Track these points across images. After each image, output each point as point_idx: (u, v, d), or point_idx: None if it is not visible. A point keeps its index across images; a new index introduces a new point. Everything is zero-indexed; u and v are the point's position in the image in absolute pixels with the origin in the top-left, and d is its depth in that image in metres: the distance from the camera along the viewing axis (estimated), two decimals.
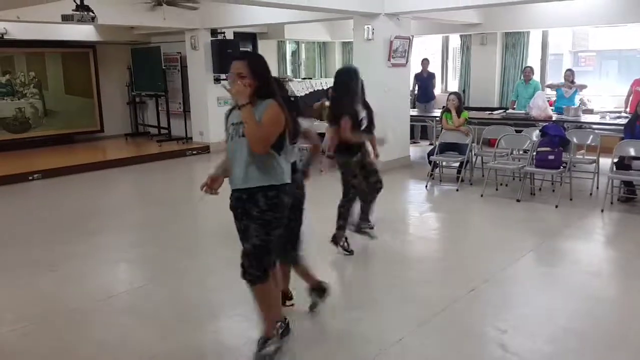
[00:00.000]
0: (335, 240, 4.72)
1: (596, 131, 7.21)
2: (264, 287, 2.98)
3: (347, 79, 4.67)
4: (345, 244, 4.79)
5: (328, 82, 12.69)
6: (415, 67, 10.56)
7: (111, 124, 11.98)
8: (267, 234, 2.89)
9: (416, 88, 10.82)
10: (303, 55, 13.55)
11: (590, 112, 8.88)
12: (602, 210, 6.04)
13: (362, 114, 4.64)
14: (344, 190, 4.77)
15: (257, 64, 2.91)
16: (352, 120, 4.53)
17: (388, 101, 8.31)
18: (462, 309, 3.78)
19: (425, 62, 10.94)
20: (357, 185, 4.74)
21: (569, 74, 9.04)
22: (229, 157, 2.99)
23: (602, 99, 9.99)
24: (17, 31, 9.71)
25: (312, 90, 12.33)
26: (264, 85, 2.87)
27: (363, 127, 4.63)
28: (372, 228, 4.98)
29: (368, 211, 4.96)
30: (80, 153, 10.39)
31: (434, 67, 11.31)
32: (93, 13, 6.92)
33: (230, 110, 3.02)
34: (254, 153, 2.81)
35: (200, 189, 3.08)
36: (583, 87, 9.18)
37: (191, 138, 11.07)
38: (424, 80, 10.86)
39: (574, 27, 10.48)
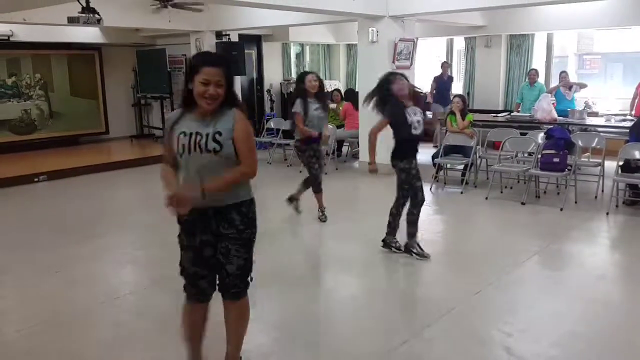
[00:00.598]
0: (407, 249, 4.72)
1: (601, 134, 7.19)
2: (246, 299, 2.81)
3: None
4: (420, 249, 4.75)
5: (332, 84, 12.74)
6: (420, 70, 10.54)
7: (116, 126, 12.02)
8: (248, 251, 2.71)
9: (434, 91, 10.67)
10: (307, 58, 13.56)
11: (596, 114, 8.88)
12: (607, 214, 6.02)
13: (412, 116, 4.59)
14: (412, 193, 4.72)
15: (231, 69, 2.61)
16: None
17: None
18: (467, 312, 3.78)
19: (445, 65, 10.79)
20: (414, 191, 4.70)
21: (564, 75, 9.06)
22: (183, 170, 2.63)
23: (608, 102, 9.98)
24: (23, 33, 9.78)
25: None
26: (231, 92, 2.59)
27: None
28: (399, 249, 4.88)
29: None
30: (85, 155, 10.43)
31: (438, 70, 11.30)
32: (99, 15, 6.96)
33: (179, 117, 2.63)
34: (231, 170, 2.58)
35: (167, 206, 2.54)
36: (582, 85, 9.19)
37: None
38: (444, 83, 10.67)
39: (579, 29, 10.47)
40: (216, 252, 2.69)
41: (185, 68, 2.69)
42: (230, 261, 2.68)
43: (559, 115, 8.21)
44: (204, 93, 2.50)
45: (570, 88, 8.93)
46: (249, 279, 2.76)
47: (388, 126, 4.65)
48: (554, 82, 10.60)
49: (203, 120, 2.58)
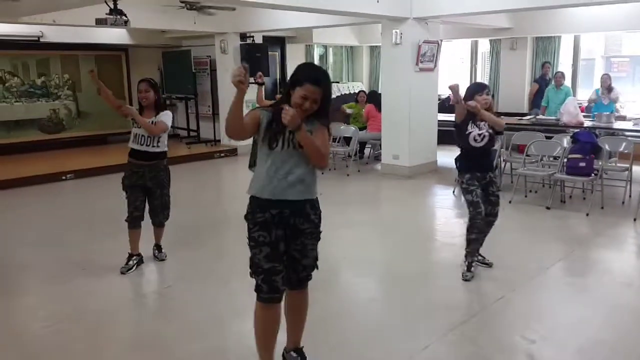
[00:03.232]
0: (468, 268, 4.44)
1: (629, 138, 7.06)
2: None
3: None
4: (480, 256, 4.58)
5: (355, 86, 12.74)
6: (443, 72, 10.47)
7: None
8: (318, 243, 2.89)
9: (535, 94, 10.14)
10: (331, 59, 13.59)
11: (623, 118, 8.69)
12: (634, 220, 5.91)
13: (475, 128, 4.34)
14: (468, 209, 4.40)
15: (330, 87, 2.78)
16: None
17: (415, 106, 8.29)
18: (490, 317, 3.75)
19: (547, 66, 10.24)
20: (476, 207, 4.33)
21: (606, 78, 8.74)
22: (269, 161, 2.73)
23: (636, 105, 9.78)
24: (52, 34, 9.99)
25: (339, 94, 12.38)
26: (325, 107, 2.77)
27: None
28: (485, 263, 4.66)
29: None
30: (112, 154, 10.56)
31: (463, 72, 11.22)
32: (126, 17, 7.07)
33: (274, 114, 2.71)
34: (309, 166, 2.75)
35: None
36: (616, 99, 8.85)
37: (219, 141, 11.20)
38: (547, 85, 9.88)
39: (607, 31, 10.29)
40: (287, 247, 2.78)
41: (291, 75, 2.78)
42: (307, 255, 2.84)
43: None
44: (300, 105, 2.66)
45: (610, 91, 8.64)
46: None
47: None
48: (581, 85, 10.44)
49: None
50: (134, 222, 4.60)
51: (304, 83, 2.65)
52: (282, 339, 3.00)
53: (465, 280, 4.33)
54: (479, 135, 4.31)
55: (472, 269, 4.43)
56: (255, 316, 2.83)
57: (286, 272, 2.81)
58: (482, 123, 4.31)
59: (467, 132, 4.32)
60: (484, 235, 4.47)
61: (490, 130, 4.30)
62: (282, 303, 2.86)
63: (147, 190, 4.64)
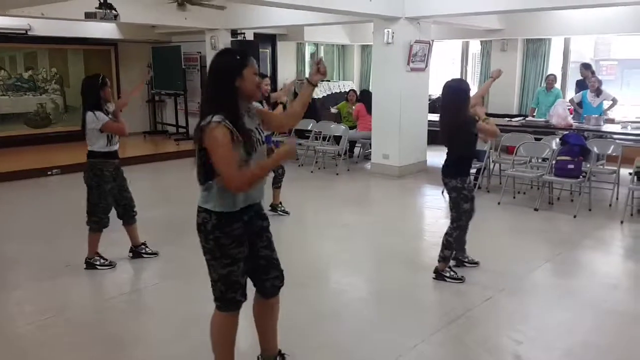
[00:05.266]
0: (439, 273, 4.33)
1: (617, 141, 7.11)
2: None
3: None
4: (452, 272, 4.35)
5: (346, 85, 12.73)
6: (434, 72, 10.49)
7: (130, 122, 11.74)
8: None
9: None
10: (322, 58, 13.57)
11: (612, 121, 8.74)
12: (621, 222, 5.95)
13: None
14: (455, 215, 4.30)
15: None
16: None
17: (406, 105, 8.29)
18: (478, 318, 3.75)
19: (583, 66, 9.49)
20: (470, 210, 4.33)
21: (594, 81, 8.65)
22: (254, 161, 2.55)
23: (624, 109, 9.85)
24: (41, 28, 9.87)
25: (330, 92, 12.37)
26: None
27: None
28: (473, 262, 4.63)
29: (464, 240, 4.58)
30: None
31: (455, 73, 11.24)
32: (115, 11, 6.99)
33: (241, 115, 2.51)
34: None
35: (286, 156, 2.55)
36: (614, 101, 8.76)
37: None
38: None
39: (596, 35, 10.35)
40: (254, 252, 2.66)
41: (223, 67, 2.49)
42: (274, 248, 2.74)
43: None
44: (259, 84, 2.54)
45: (598, 95, 8.62)
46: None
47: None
48: (570, 88, 10.47)
49: (247, 115, 2.55)
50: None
51: (249, 61, 2.47)
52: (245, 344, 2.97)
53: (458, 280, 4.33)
54: (475, 136, 4.33)
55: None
56: (221, 328, 2.70)
57: (259, 282, 2.74)
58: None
59: (477, 136, 4.29)
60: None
61: None
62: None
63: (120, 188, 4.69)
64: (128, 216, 4.78)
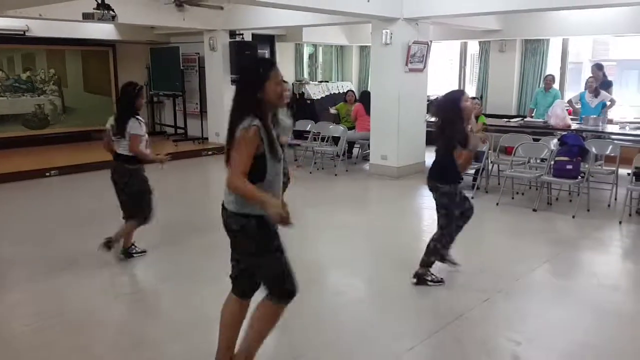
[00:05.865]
0: (420, 278, 4.27)
1: (616, 141, 7.11)
2: None
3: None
4: (433, 275, 4.29)
5: (344, 86, 12.73)
6: (432, 73, 10.48)
7: None
8: None
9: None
10: (320, 59, 13.57)
11: (610, 122, 8.74)
12: (620, 222, 5.95)
13: None
14: (444, 221, 4.23)
15: None
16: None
17: (404, 106, 8.29)
18: (476, 319, 3.74)
19: (596, 67, 9.35)
20: (469, 208, 4.33)
21: (591, 81, 8.69)
22: (273, 178, 2.68)
23: (623, 109, 9.85)
24: (38, 29, 9.84)
25: (328, 93, 12.37)
26: None
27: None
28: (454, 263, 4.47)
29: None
30: (97, 151, 10.40)
31: (452, 73, 11.24)
32: (113, 12, 6.99)
33: (269, 124, 2.64)
34: None
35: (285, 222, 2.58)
36: (612, 101, 8.77)
37: (207, 138, 11.13)
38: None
39: (595, 35, 10.35)
40: None
41: (247, 77, 2.68)
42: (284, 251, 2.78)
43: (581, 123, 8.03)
44: (282, 92, 2.66)
45: (596, 95, 8.63)
46: None
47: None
48: (568, 89, 10.48)
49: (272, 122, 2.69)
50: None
51: (271, 72, 2.59)
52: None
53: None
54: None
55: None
56: (274, 319, 2.75)
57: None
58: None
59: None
60: None
61: None
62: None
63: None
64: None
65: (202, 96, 11.22)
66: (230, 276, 2.87)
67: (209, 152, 10.47)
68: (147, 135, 4.68)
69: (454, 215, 4.21)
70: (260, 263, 2.70)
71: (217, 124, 10.79)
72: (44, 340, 3.46)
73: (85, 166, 8.73)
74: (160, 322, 3.74)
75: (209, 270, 4.65)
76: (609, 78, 9.39)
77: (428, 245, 4.27)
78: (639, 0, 6.56)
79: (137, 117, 4.57)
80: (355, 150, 9.94)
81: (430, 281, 4.27)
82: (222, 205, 2.72)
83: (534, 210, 6.41)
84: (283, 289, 2.70)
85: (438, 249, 4.23)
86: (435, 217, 4.31)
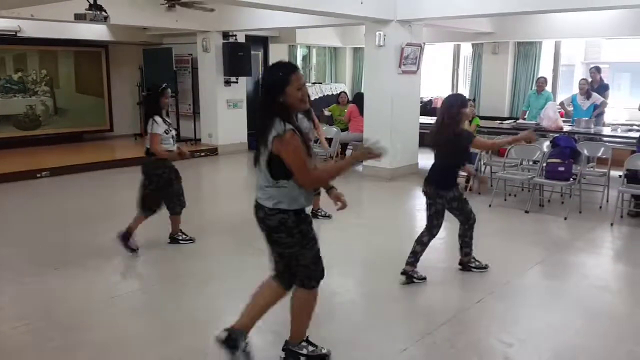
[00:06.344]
0: (465, 265, 4.60)
1: (607, 144, 7.14)
2: None
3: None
4: (477, 262, 4.61)
5: (338, 87, 12.74)
6: (425, 75, 10.50)
7: (121, 124, 12.03)
8: None
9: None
10: (314, 60, 13.58)
11: (602, 124, 8.79)
12: (611, 224, 5.97)
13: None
14: (463, 218, 4.45)
15: None
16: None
17: (397, 108, 8.29)
18: (468, 321, 3.74)
19: (594, 70, 9.30)
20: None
21: (583, 83, 8.76)
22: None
23: (614, 112, 9.91)
24: (30, 29, 9.80)
25: (322, 95, 12.37)
26: None
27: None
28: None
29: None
30: (88, 152, 10.43)
31: (445, 75, 11.28)
32: (106, 13, 6.95)
33: (297, 124, 2.76)
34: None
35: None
36: (604, 103, 8.77)
37: (200, 140, 11.10)
38: (596, 92, 8.94)
39: (587, 38, 10.43)
40: None
41: (271, 81, 2.79)
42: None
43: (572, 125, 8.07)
44: (303, 96, 2.73)
45: (588, 97, 8.61)
46: None
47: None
48: (561, 91, 10.54)
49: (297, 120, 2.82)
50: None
51: (291, 75, 2.68)
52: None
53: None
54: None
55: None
56: (311, 302, 3.01)
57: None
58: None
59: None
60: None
61: None
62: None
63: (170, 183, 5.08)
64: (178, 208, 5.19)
65: (195, 97, 11.18)
66: (276, 273, 3.00)
67: (202, 154, 10.44)
68: (173, 132, 5.06)
69: (467, 210, 4.42)
70: (304, 253, 2.87)
71: (210, 125, 10.77)
72: (33, 341, 3.43)
73: (77, 167, 8.69)
74: (150, 323, 3.72)
75: (201, 272, 4.63)
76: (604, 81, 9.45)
77: (459, 243, 4.56)
78: (631, 3, 6.59)
79: (155, 117, 4.86)
80: (348, 152, 9.93)
81: (474, 267, 4.58)
82: (257, 203, 2.85)
83: (526, 212, 6.43)
84: (318, 272, 2.95)
85: (467, 242, 4.53)
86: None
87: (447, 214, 4.41)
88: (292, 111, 2.76)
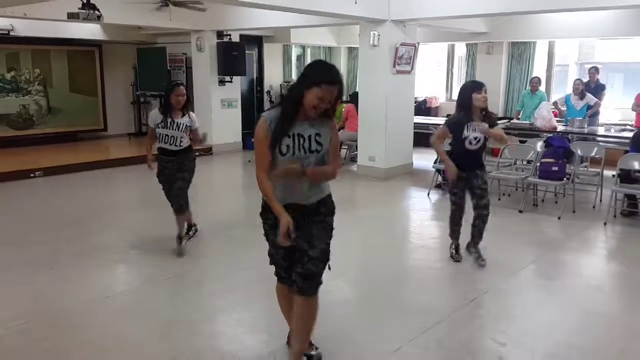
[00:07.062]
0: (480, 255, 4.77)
1: (601, 143, 7.17)
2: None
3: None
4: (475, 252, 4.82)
5: None
6: (420, 75, 10.52)
7: (115, 123, 11.98)
8: (331, 238, 2.98)
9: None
10: (308, 60, 13.55)
11: (597, 124, 8.82)
12: (605, 224, 6.00)
13: (470, 131, 4.49)
14: (488, 201, 4.74)
15: (342, 87, 2.72)
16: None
17: (392, 108, 8.30)
18: (462, 320, 3.75)
19: (593, 71, 9.32)
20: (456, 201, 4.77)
21: (578, 83, 8.83)
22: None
23: (608, 112, 9.95)
24: (23, 28, 9.75)
25: None
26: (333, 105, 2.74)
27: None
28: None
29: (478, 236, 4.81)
30: (82, 151, 10.39)
31: (440, 75, 11.29)
32: (99, 12, 6.93)
33: (292, 117, 2.70)
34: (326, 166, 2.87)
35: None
36: (597, 104, 8.81)
37: None
38: (592, 93, 9.00)
39: (581, 38, 10.46)
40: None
41: (302, 73, 2.78)
42: (312, 245, 2.97)
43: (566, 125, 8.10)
44: (316, 106, 2.64)
45: (582, 98, 8.66)
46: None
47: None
48: (555, 91, 10.57)
49: (302, 123, 2.72)
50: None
51: (322, 84, 2.60)
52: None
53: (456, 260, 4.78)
54: (475, 138, 4.46)
55: (455, 252, 4.86)
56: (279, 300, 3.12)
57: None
58: (476, 124, 4.43)
59: (463, 136, 4.45)
60: (460, 227, 4.90)
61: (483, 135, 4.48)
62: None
63: (173, 178, 5.00)
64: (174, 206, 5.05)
65: (189, 96, 11.12)
66: (305, 276, 2.95)
67: (196, 153, 10.35)
68: (173, 132, 4.96)
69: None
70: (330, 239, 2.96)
71: (205, 125, 10.69)
72: (25, 342, 3.41)
73: (71, 167, 8.65)
74: (145, 323, 3.70)
75: (194, 272, 4.62)
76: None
77: (482, 231, 4.72)
78: (624, 3, 6.62)
79: (152, 111, 5.11)
80: (343, 152, 9.92)
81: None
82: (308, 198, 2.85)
83: (520, 211, 6.44)
84: (274, 267, 2.97)
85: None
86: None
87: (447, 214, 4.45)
88: (300, 109, 2.67)
